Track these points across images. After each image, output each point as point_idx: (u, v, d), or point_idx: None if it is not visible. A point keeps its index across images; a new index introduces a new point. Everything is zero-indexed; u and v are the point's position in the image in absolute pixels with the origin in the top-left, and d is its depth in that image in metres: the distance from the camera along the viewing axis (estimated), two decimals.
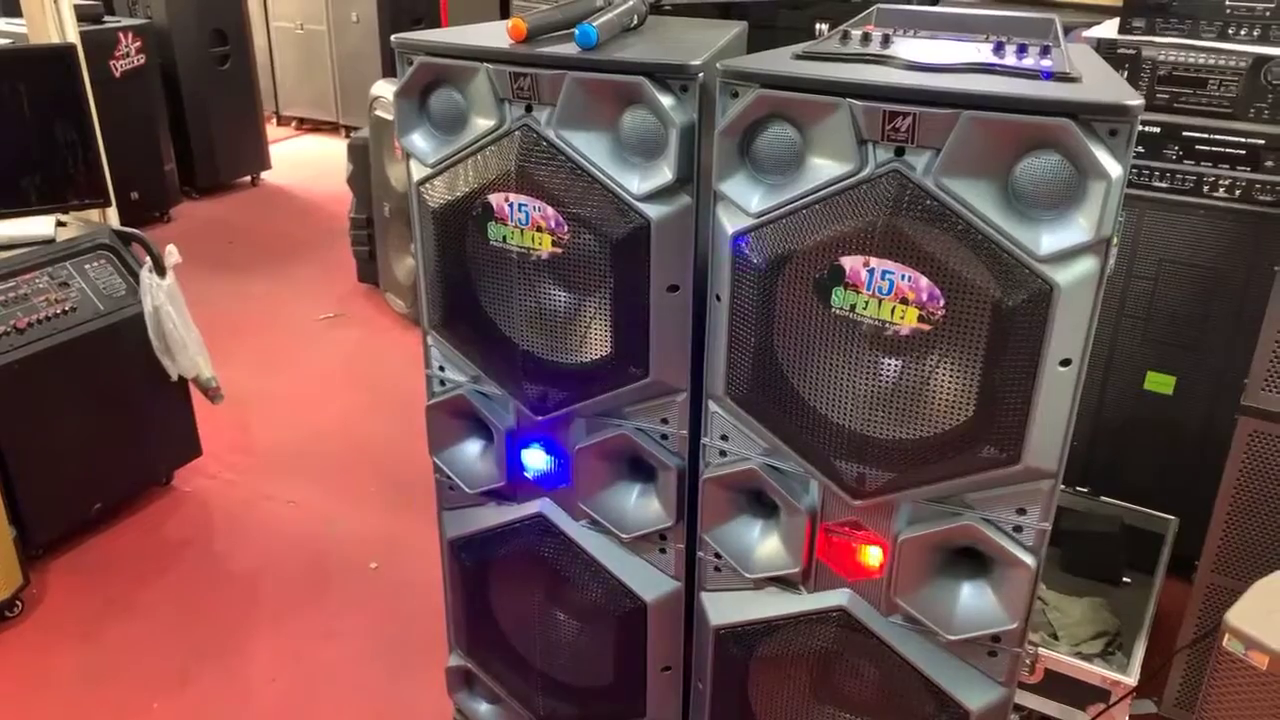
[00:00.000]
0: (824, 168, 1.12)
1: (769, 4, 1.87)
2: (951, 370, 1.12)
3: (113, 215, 2.57)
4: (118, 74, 3.94)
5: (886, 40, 1.18)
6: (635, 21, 1.36)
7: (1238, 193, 1.88)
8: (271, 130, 5.69)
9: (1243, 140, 1.85)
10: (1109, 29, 2.00)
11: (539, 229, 1.29)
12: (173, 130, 4.39)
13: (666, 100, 1.19)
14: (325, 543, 2.40)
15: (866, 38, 1.20)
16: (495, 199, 1.31)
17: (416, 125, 1.37)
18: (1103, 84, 1.06)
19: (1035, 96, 1.00)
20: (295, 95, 5.77)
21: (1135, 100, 0.98)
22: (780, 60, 1.17)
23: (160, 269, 2.27)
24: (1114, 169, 1.00)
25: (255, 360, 3.29)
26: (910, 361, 1.13)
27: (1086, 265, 1.05)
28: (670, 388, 1.36)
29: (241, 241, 4.31)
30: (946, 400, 1.13)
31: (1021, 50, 1.13)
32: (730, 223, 1.20)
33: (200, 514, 2.51)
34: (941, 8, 1.32)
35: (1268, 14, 1.78)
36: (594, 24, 1.23)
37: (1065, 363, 1.09)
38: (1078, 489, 2.12)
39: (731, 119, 1.15)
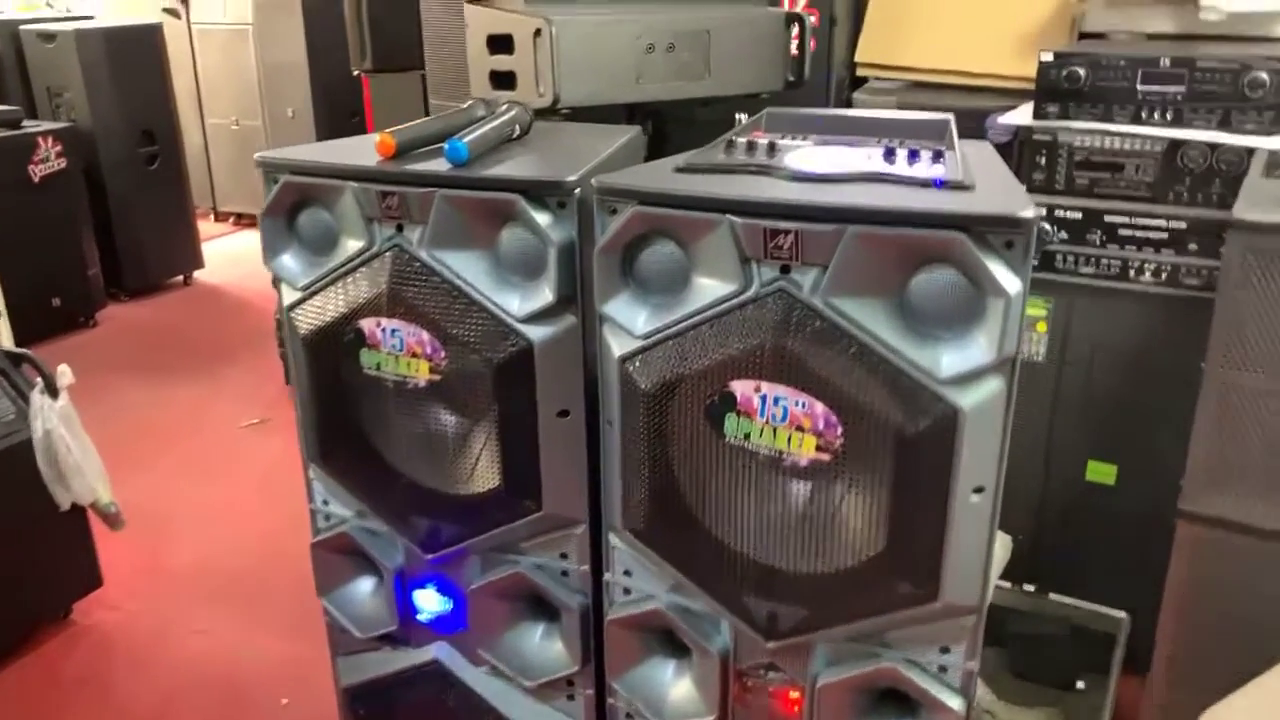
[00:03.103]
0: (709, 287, 1.04)
1: (676, 104, 1.82)
2: (857, 502, 1.02)
3: (4, 333, 2.44)
4: (36, 179, 3.83)
5: (772, 149, 1.11)
6: (517, 132, 1.29)
7: (1164, 277, 1.83)
8: (208, 227, 5.59)
9: (1164, 224, 1.81)
10: (1025, 114, 1.97)
11: (414, 355, 1.20)
12: (99, 233, 4.27)
13: (543, 218, 1.11)
14: (235, 677, 2.23)
15: (751, 146, 1.13)
16: (367, 324, 1.21)
17: (285, 246, 1.28)
18: (998, 192, 0.99)
19: (923, 210, 0.93)
20: (232, 191, 5.68)
21: (1028, 211, 0.91)
22: (659, 174, 1.09)
23: (53, 390, 2.14)
24: (1012, 285, 0.92)
25: (172, 472, 3.13)
26: (814, 493, 1.04)
27: (993, 386, 0.97)
28: (567, 520, 1.25)
29: (168, 345, 4.17)
30: (855, 534, 1.04)
31: (913, 156, 1.06)
32: (617, 345, 1.11)
33: (101, 649, 2.33)
34: (832, 110, 1.26)
35: (1179, 97, 1.75)
36: (465, 139, 1.16)
37: (978, 490, 1.00)
38: (1024, 586, 2.02)
39: (609, 237, 1.06)
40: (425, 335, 1.18)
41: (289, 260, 1.28)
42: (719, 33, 1.70)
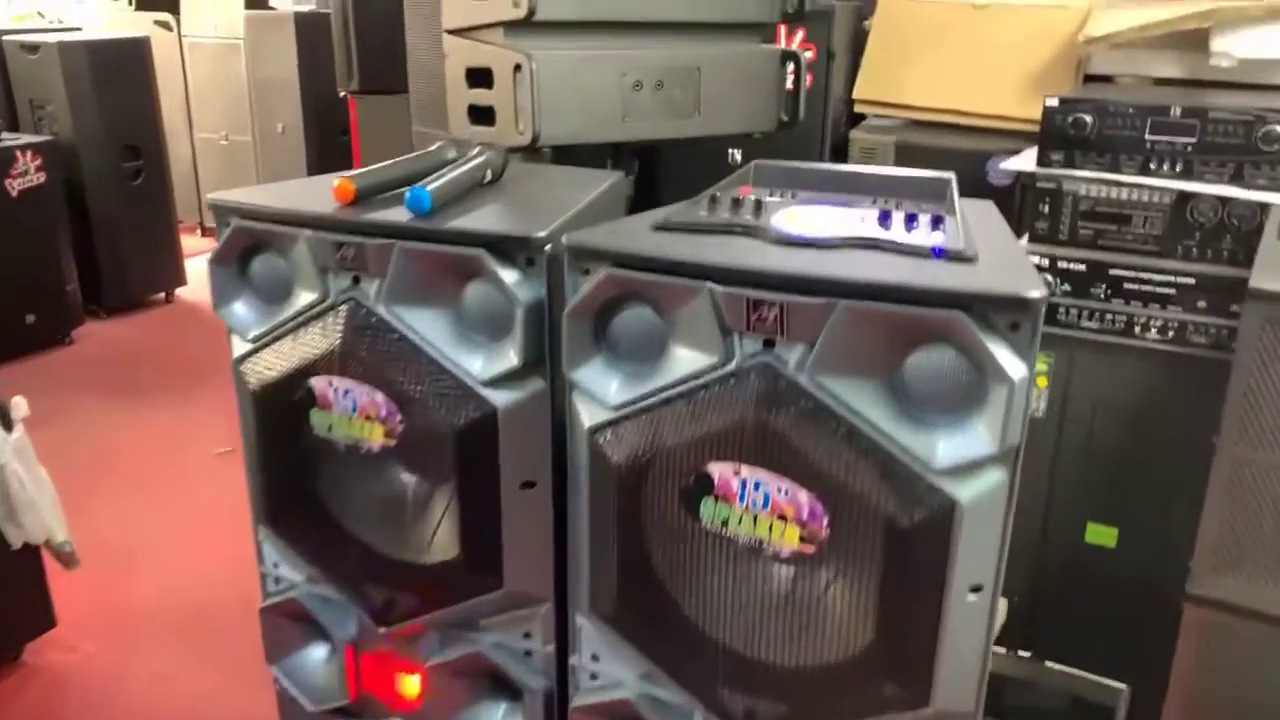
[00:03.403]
0: (686, 358, 0.96)
1: (666, 142, 1.74)
2: (843, 598, 0.94)
3: None
4: (14, 193, 3.75)
5: (759, 207, 1.03)
6: (489, 177, 1.20)
7: (1170, 334, 1.75)
8: (194, 242, 5.49)
9: (1172, 279, 1.73)
10: (1028, 159, 1.89)
11: (368, 418, 1.11)
12: (79, 248, 4.17)
13: (509, 276, 1.03)
14: None
15: (737, 203, 1.04)
16: (318, 383, 1.12)
17: (237, 294, 1.20)
18: (1003, 265, 0.91)
19: (921, 285, 0.85)
20: None
21: (1037, 290, 0.83)
22: (635, 232, 1.01)
23: (7, 422, 2.05)
24: (1016, 370, 0.84)
25: (140, 502, 3.03)
26: (796, 586, 0.95)
27: (994, 478, 0.88)
28: (531, 598, 1.16)
29: (145, 364, 4.07)
30: (840, 632, 0.95)
31: (911, 220, 0.98)
32: (588, 415, 1.03)
33: (53, 693, 2.22)
34: (824, 165, 1.18)
35: (1189, 149, 1.68)
36: (429, 187, 1.07)
37: (976, 589, 0.91)
38: (1020, 653, 1.93)
39: (579, 300, 0.98)
40: (380, 397, 1.09)
41: (241, 309, 1.20)
42: (710, 70, 1.62)
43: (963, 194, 1.10)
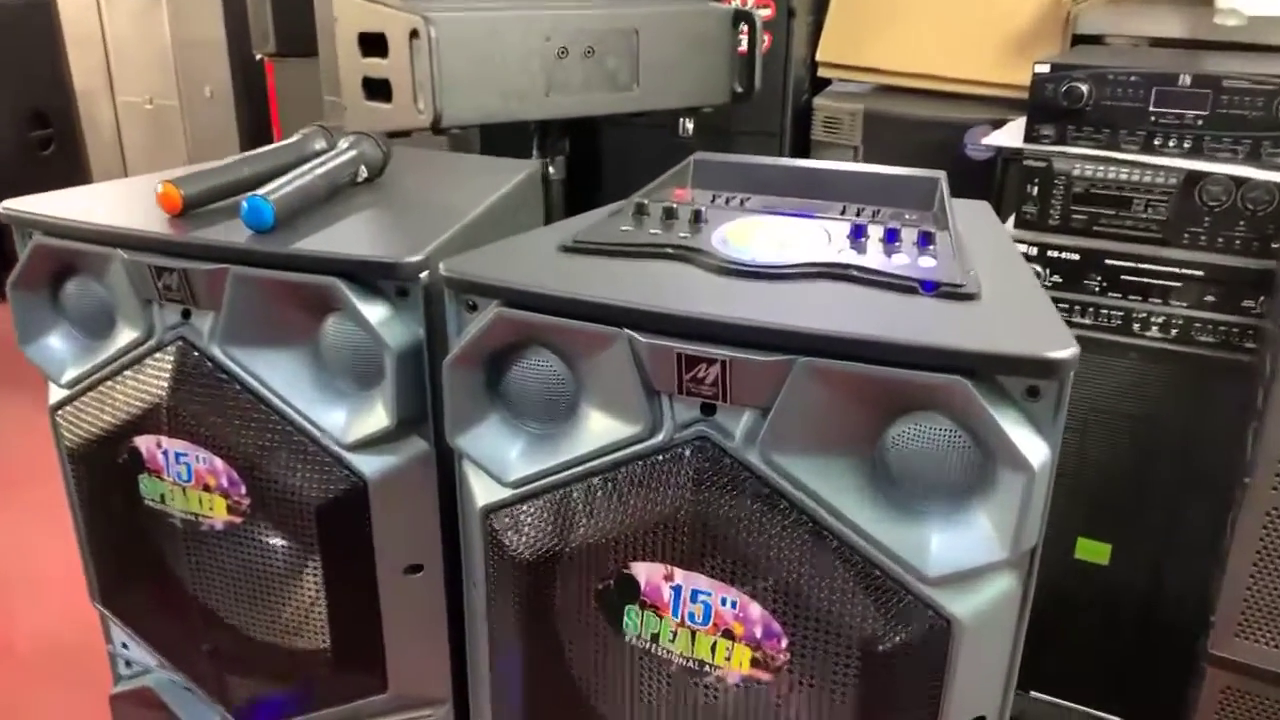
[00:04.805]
0: (602, 427, 0.73)
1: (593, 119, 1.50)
2: None
3: None
4: None
5: (697, 219, 0.80)
6: (363, 174, 0.96)
7: (1173, 332, 1.55)
8: None
9: (1176, 270, 1.53)
10: (1013, 134, 1.67)
11: (207, 488, 0.87)
12: None
13: (375, 312, 0.79)
14: None
15: (670, 214, 0.81)
16: (145, 444, 0.89)
17: (48, 326, 0.95)
18: (1014, 306, 0.69)
19: (908, 341, 0.62)
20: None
21: (1065, 349, 0.61)
22: (536, 255, 0.78)
23: None
24: (1036, 452, 0.62)
25: (31, 518, 2.74)
26: (747, 718, 0.74)
27: (1002, 586, 0.68)
28: (425, 699, 0.94)
29: None
30: None
31: (891, 236, 0.75)
32: (481, 490, 0.80)
33: None
34: (780, 160, 0.95)
35: (1199, 123, 1.47)
36: (271, 196, 0.83)
37: None
38: None
39: (462, 348, 0.75)
40: (219, 463, 0.85)
41: (55, 344, 0.95)
42: (650, 33, 1.38)
43: (936, 168, 0.89)
